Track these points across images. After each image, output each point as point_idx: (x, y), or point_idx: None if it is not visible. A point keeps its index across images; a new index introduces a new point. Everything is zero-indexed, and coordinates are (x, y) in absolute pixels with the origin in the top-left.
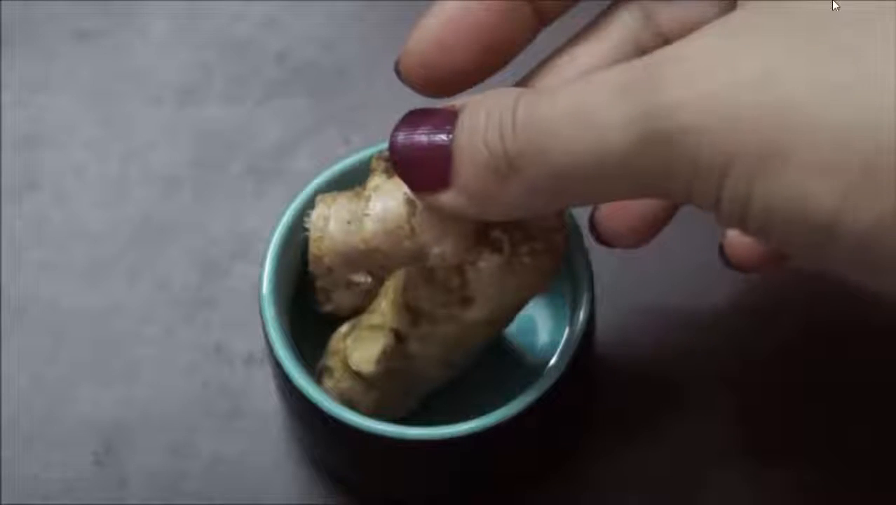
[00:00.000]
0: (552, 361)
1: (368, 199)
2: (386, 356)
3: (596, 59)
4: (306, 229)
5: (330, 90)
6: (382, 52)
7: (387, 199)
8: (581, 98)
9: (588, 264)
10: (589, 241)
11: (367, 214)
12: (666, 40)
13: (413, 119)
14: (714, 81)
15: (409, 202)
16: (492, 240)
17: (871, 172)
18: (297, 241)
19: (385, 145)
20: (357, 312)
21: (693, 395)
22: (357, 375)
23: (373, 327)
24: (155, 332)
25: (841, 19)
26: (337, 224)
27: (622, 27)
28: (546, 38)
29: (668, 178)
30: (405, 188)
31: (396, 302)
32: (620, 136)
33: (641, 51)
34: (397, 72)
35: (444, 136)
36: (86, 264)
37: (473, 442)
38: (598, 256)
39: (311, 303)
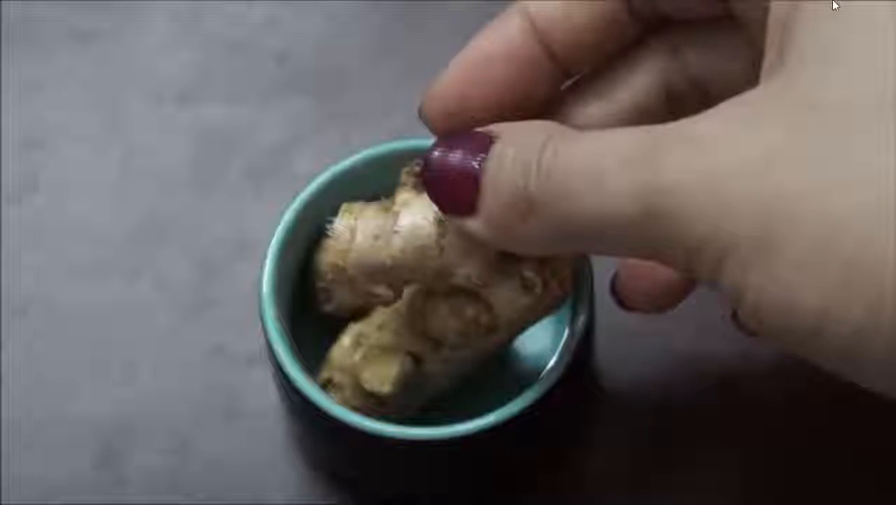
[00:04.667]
0: (552, 362)
1: (398, 214)
2: (404, 379)
3: (623, 93)
4: (328, 236)
5: (330, 90)
6: (382, 52)
7: (416, 217)
8: (595, 159)
9: (588, 265)
10: None
11: (396, 231)
12: (694, 81)
13: (450, 141)
14: (713, 165)
15: (440, 222)
16: (524, 279)
17: (851, 274)
18: (297, 242)
19: (392, 145)
20: (357, 312)
21: (693, 395)
22: (371, 393)
23: (385, 348)
24: (155, 332)
25: (845, 112)
26: (364, 238)
27: (650, 63)
28: None
29: (669, 252)
30: (434, 207)
31: (415, 327)
32: (625, 206)
33: (671, 93)
34: (420, 115)
35: (475, 163)
36: (86, 264)
37: (473, 442)
38: (599, 257)
39: (311, 303)
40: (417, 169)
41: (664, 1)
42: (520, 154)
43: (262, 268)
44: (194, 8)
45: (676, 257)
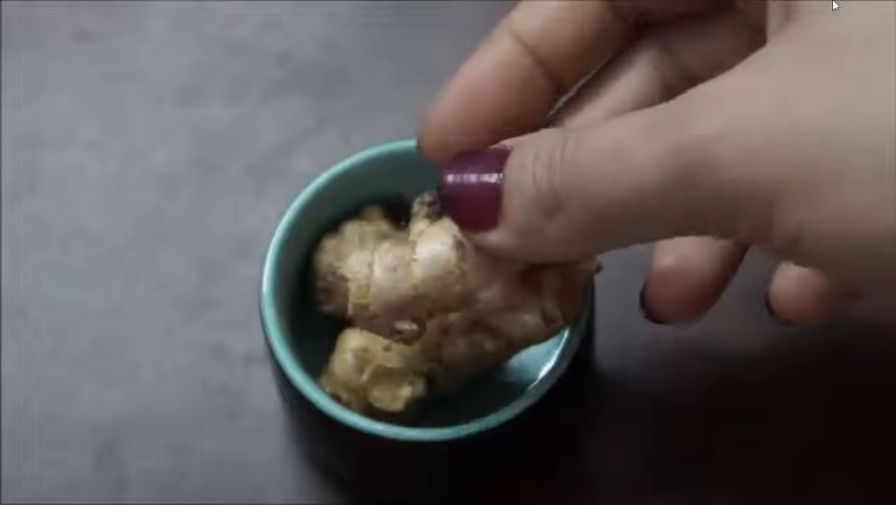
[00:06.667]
0: (552, 363)
1: (414, 244)
2: (416, 398)
3: (622, 98)
4: (346, 277)
5: (330, 90)
6: (382, 52)
7: (433, 244)
8: (617, 137)
9: None
10: None
11: (414, 260)
12: (692, 78)
13: (463, 159)
14: (745, 110)
15: (459, 246)
16: (545, 312)
17: None
18: (297, 242)
19: (391, 145)
20: None
21: (694, 395)
22: (381, 410)
23: (394, 370)
24: (155, 332)
25: (856, 45)
26: (383, 271)
27: (644, 63)
28: None
29: (709, 213)
30: (452, 232)
31: (429, 355)
32: (655, 175)
33: (668, 88)
34: (419, 148)
35: (494, 176)
36: (86, 264)
37: (473, 443)
38: (599, 256)
39: (311, 303)
40: (430, 199)
41: (652, 1)
42: (541, 154)
43: (262, 268)
44: (194, 8)
45: (717, 217)
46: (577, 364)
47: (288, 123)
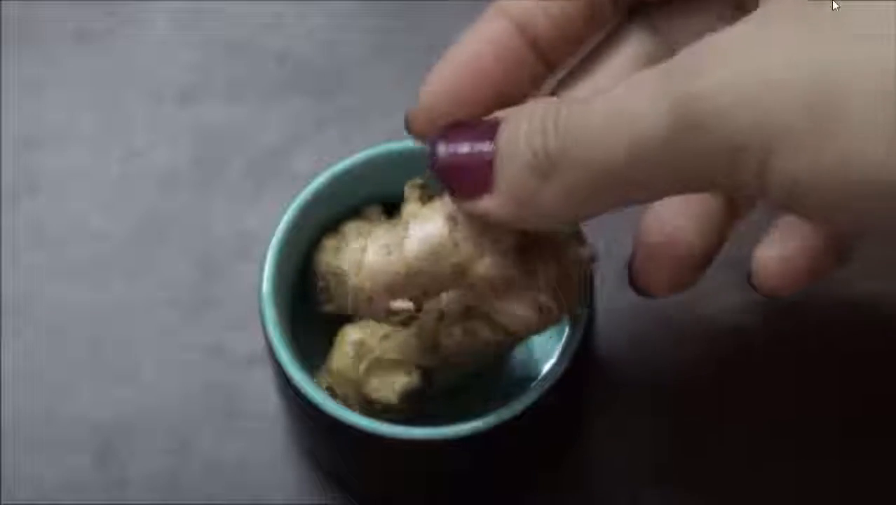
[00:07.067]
0: (553, 362)
1: (406, 225)
2: (412, 390)
3: (612, 76)
4: (343, 269)
5: (330, 90)
6: (382, 52)
7: (425, 224)
8: (619, 95)
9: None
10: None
11: (407, 237)
12: None
13: (455, 129)
14: (748, 62)
15: (450, 219)
16: (540, 304)
17: None
18: (297, 242)
19: (391, 145)
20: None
21: (693, 393)
22: (377, 401)
23: (392, 361)
24: (155, 332)
25: (857, 7)
26: (375, 253)
27: (635, 44)
28: None
29: (709, 164)
30: (443, 211)
31: (425, 345)
32: (657, 126)
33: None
34: (407, 126)
35: (486, 144)
36: (86, 264)
37: (473, 442)
38: (599, 255)
39: (311, 303)
40: (421, 182)
41: None
42: (534, 119)
43: (262, 268)
44: (194, 8)
45: (717, 168)
46: (578, 363)
47: (288, 123)
